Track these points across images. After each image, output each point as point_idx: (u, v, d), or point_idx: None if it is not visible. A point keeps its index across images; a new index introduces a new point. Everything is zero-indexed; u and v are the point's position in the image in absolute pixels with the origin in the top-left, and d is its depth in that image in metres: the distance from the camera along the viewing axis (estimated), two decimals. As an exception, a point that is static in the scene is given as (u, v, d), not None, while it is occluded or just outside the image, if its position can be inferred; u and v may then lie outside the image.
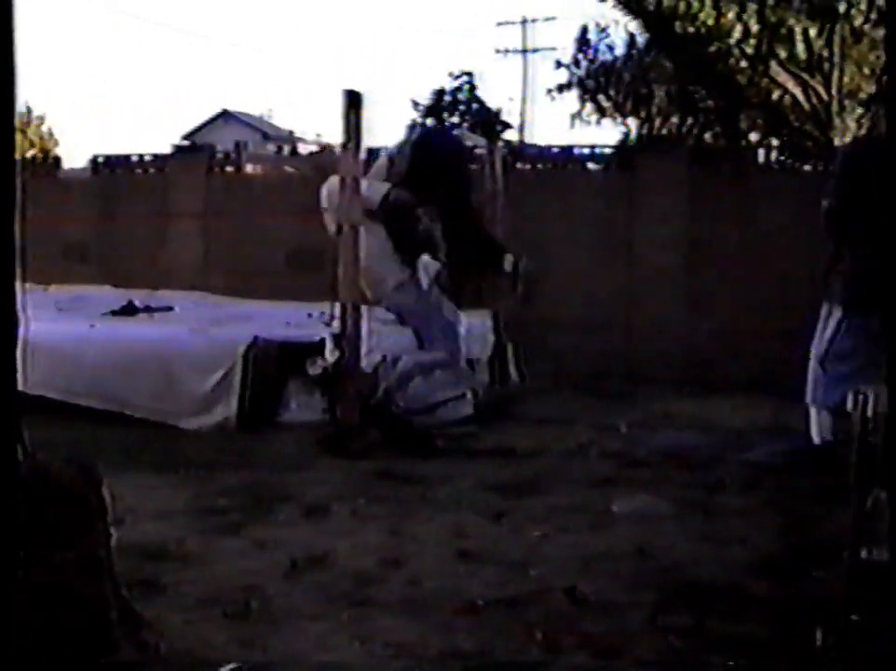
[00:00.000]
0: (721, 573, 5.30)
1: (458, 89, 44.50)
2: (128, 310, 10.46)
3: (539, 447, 7.91)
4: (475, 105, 44.04)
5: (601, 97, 26.27)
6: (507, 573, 5.26)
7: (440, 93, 44.33)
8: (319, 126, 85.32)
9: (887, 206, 6.50)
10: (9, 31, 2.44)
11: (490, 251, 10.73)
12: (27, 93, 64.43)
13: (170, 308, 10.77)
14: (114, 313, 10.41)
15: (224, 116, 55.16)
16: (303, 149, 22.74)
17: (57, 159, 16.25)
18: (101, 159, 14.24)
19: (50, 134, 45.18)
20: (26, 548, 4.06)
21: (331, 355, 8.42)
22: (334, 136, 8.44)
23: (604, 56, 26.34)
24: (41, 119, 45.83)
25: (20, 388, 4.10)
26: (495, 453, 7.82)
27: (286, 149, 20.67)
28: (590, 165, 13.05)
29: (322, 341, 8.53)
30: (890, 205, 3.42)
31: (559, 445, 8.10)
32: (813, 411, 7.31)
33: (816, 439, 7.30)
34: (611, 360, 11.68)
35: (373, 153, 10.37)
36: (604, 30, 26.01)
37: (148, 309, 10.60)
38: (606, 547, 5.69)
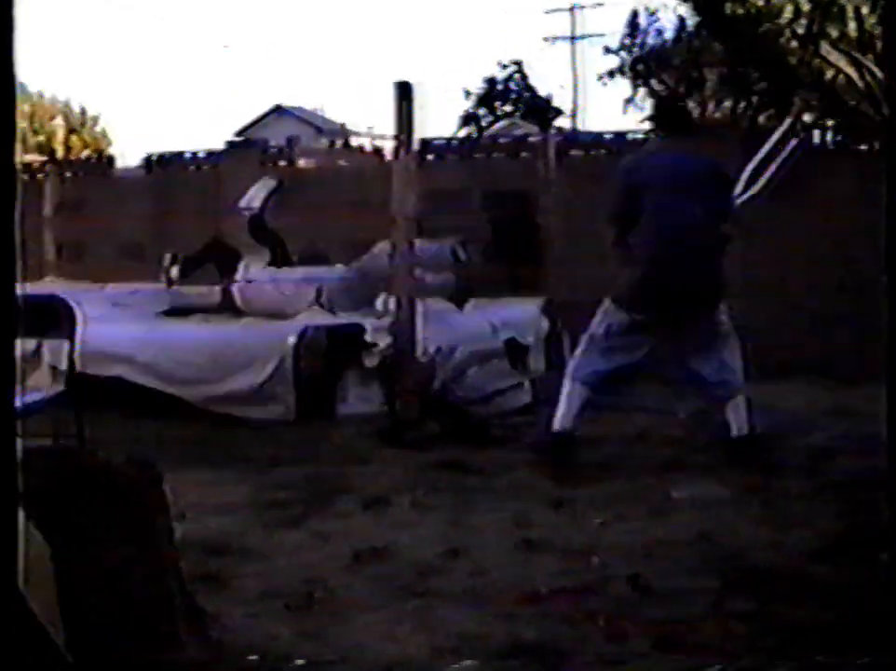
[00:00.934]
0: (783, 558, 5.27)
1: (509, 77, 44.42)
2: (182, 310, 10.49)
3: (598, 434, 7.87)
4: (526, 94, 43.97)
5: (653, 81, 26.12)
6: (568, 561, 5.25)
7: (491, 82, 44.27)
8: (371, 118, 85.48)
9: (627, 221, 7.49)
10: (9, 30, 2.44)
11: (535, 237, 10.67)
12: (81, 94, 64.88)
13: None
14: (167, 313, 10.46)
15: (278, 110, 55.28)
16: (355, 142, 22.78)
17: (111, 159, 16.34)
18: (154, 158, 14.31)
19: (104, 134, 45.52)
20: (88, 545, 4.09)
21: (373, 343, 8.45)
22: (387, 128, 8.41)
23: (655, 40, 26.21)
24: (95, 120, 46.20)
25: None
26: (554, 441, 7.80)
27: (338, 143, 20.69)
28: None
29: (363, 328, 8.57)
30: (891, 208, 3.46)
31: (618, 432, 8.07)
32: (567, 385, 7.58)
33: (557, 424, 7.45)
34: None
35: (427, 144, 10.36)
36: (653, 13, 25.88)
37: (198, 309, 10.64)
38: (667, 533, 5.66)
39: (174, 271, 11.02)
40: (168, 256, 11.28)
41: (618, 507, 6.16)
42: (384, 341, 8.42)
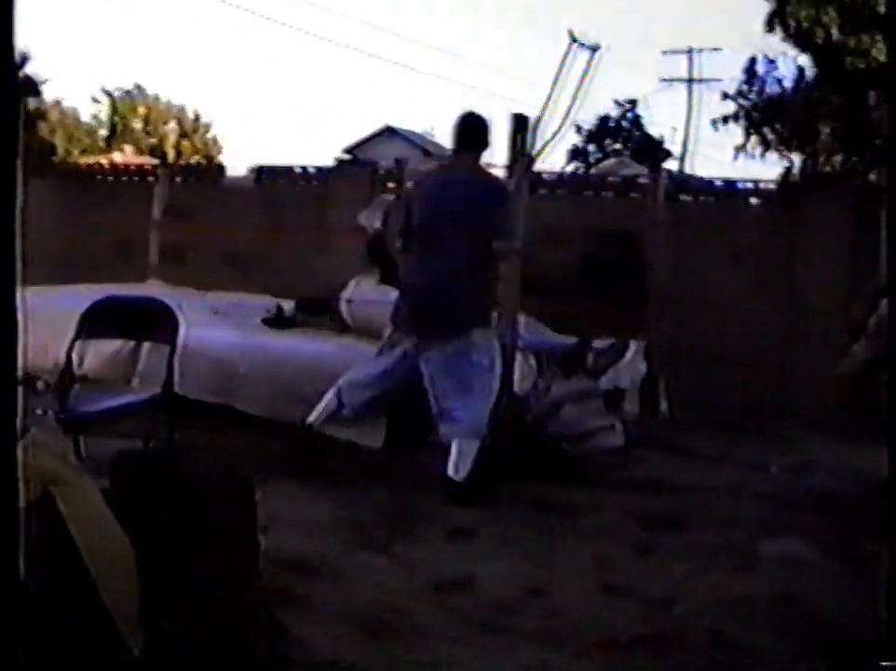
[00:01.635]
0: (866, 628, 5.16)
1: (622, 115, 44.40)
2: (281, 321, 10.53)
3: (687, 483, 7.80)
4: (637, 133, 43.92)
5: (766, 130, 25.93)
6: (649, 609, 5.19)
7: (604, 119, 44.28)
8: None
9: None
10: (9, 29, 2.45)
11: (640, 278, 10.61)
12: (196, 100, 65.70)
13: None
14: (266, 322, 10.50)
15: (387, 131, 55.65)
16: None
17: (221, 167, 16.48)
18: (264, 169, 14.42)
19: (215, 142, 46.07)
20: (174, 550, 4.11)
21: None
22: (493, 157, 8.38)
23: (772, 88, 26.02)
24: (207, 127, 46.78)
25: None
26: (643, 485, 7.74)
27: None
28: (753, 200, 12.86)
29: None
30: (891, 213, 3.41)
31: (707, 482, 7.98)
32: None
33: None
34: (764, 398, 11.48)
35: (538, 175, 10.34)
36: (772, 62, 25.72)
37: (297, 319, 10.66)
38: (750, 590, 5.58)
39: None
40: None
41: (703, 558, 6.09)
42: None
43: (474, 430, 7.30)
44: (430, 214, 7.52)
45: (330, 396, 7.83)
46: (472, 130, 7.72)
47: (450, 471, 7.20)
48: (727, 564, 6.02)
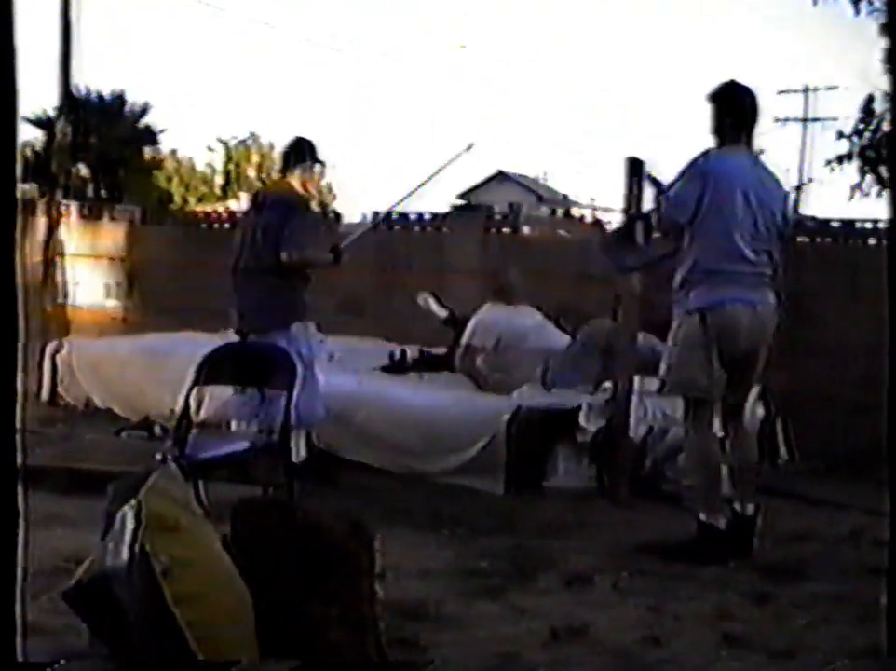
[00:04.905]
0: None
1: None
2: (398, 366, 10.58)
3: (808, 530, 7.67)
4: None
5: (881, 168, 25.58)
6: (769, 661, 5.11)
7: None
8: (593, 190, 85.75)
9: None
10: (10, 39, 2.48)
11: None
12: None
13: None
14: (384, 369, 10.56)
15: (500, 176, 55.87)
16: (576, 213, 22.79)
17: (337, 214, 16.61)
18: (381, 215, 14.50)
19: (330, 189, 46.47)
20: (292, 599, 4.14)
21: (588, 422, 8.40)
22: (609, 201, 8.43)
23: (889, 126, 25.65)
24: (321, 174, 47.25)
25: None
26: (762, 533, 7.63)
27: (560, 212, 20.75)
28: (871, 240, 12.68)
29: (579, 408, 8.51)
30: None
31: (829, 530, 7.83)
32: None
33: None
34: (888, 443, 11.27)
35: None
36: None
37: (418, 365, 10.72)
38: (875, 642, 5.46)
39: None
40: None
41: (824, 609, 5.98)
42: (597, 423, 8.38)
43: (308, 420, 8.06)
44: (252, 219, 8.56)
45: None
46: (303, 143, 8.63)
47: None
48: (850, 615, 5.90)
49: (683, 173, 6.95)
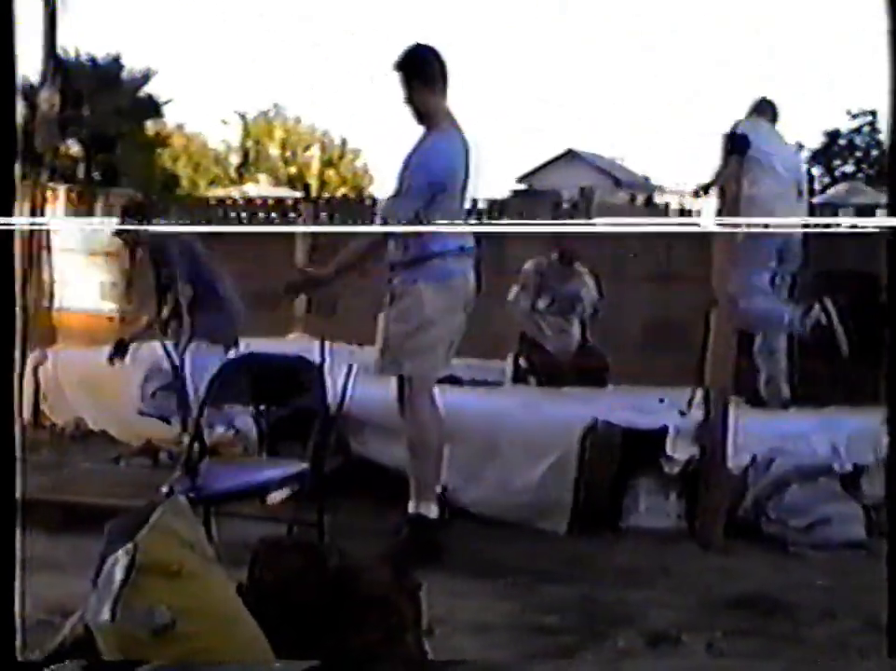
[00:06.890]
0: None
1: (857, 130, 43.73)
2: (451, 378, 10.60)
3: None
4: (875, 152, 43.21)
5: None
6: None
7: (832, 136, 43.67)
8: (677, 173, 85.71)
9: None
10: (10, 34, 2.51)
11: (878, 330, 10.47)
12: (342, 124, 66.53)
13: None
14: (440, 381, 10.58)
15: (569, 155, 55.81)
16: (659, 199, 22.66)
17: (373, 200, 16.63)
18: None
19: (366, 171, 46.64)
20: (323, 662, 4.14)
21: (675, 449, 8.35)
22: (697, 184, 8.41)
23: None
24: (356, 154, 47.39)
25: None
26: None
27: (640, 198, 20.67)
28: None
29: (665, 429, 8.44)
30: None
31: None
32: None
33: None
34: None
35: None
36: None
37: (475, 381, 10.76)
38: None
39: None
40: None
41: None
42: (688, 450, 8.32)
43: None
44: None
45: None
46: None
47: None
48: None
49: None
